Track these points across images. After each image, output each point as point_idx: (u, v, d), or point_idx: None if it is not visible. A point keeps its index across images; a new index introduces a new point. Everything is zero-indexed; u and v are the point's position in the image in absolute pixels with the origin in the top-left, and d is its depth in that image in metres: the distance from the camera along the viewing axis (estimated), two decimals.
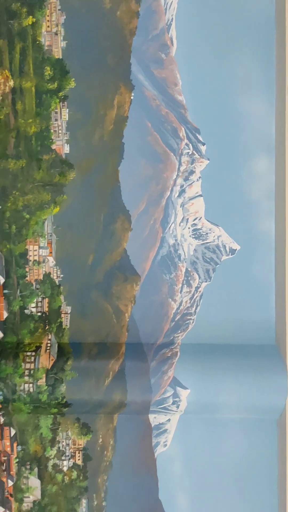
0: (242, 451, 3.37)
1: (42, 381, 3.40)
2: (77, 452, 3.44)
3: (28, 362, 3.41)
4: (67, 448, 3.42)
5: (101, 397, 3.34)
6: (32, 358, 3.41)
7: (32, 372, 3.42)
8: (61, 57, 3.34)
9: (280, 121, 3.39)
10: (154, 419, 3.34)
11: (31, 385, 3.37)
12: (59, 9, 3.33)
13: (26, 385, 3.35)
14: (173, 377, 3.34)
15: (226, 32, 3.23)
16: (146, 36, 3.39)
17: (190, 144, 3.51)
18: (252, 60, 3.36)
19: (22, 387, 3.34)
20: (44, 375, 3.41)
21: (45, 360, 3.47)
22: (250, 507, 3.31)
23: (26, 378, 3.35)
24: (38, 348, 3.41)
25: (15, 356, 3.29)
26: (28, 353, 3.40)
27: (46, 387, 3.36)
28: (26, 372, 3.38)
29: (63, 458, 3.42)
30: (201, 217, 3.75)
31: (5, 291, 3.29)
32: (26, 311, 3.26)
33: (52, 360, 3.49)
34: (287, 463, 3.18)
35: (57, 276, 3.43)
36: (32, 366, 3.42)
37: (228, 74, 3.28)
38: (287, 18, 3.11)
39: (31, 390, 3.36)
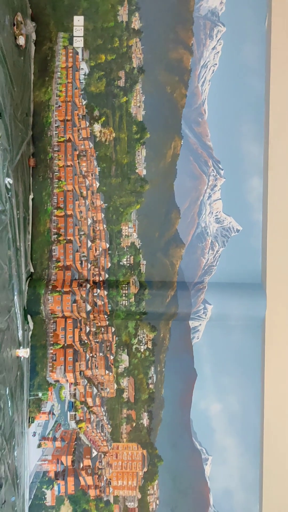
0: (241, 343, 3.22)
1: (132, 300, 3.28)
2: (148, 341, 3.33)
3: (124, 290, 3.31)
4: (143, 338, 3.31)
5: (163, 310, 3.25)
6: (126, 288, 3.32)
7: (126, 294, 3.32)
8: (142, 120, 3.18)
9: (265, 157, 3.21)
10: (192, 323, 3.22)
11: (126, 301, 3.26)
12: (141, 92, 3.17)
13: (124, 302, 3.25)
14: (204, 298, 3.18)
15: (235, 106, 3.04)
16: (190, 108, 3.20)
17: (214, 170, 3.33)
18: (249, 123, 3.16)
19: (121, 303, 3.25)
20: (133, 296, 3.28)
21: (133, 289, 3.37)
22: (243, 374, 3.16)
23: (123, 297, 3.24)
24: (128, 283, 3.31)
25: (116, 286, 3.19)
26: (123, 285, 3.30)
27: (134, 303, 3.24)
28: (123, 295, 3.27)
29: (140, 344, 3.30)
30: (220, 211, 3.57)
31: (109, 252, 3.14)
32: (120, 263, 3.11)
33: (136, 288, 3.40)
34: (265, 349, 3.03)
35: (138, 244, 3.27)
36: (126, 291, 3.33)
37: (236, 130, 3.09)
38: (270, 98, 2.91)
39: (126, 304, 3.26)
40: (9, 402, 2.42)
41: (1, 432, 2.29)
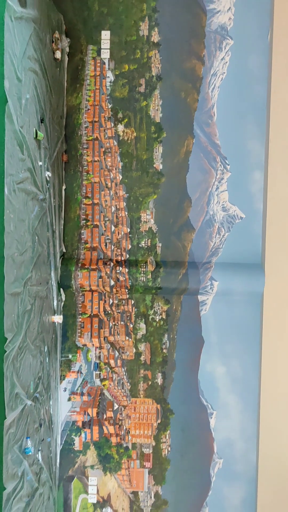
0: (242, 315, 3.19)
1: (149, 277, 3.26)
2: (163, 312, 3.31)
3: (142, 268, 3.29)
4: (158, 310, 3.29)
5: (176, 285, 3.23)
6: (144, 266, 3.30)
7: (144, 272, 3.30)
8: (159, 121, 3.14)
9: (266, 154, 3.15)
10: (200, 297, 3.20)
11: (144, 278, 3.24)
12: (159, 97, 3.12)
13: (142, 278, 3.23)
14: (211, 276, 3.14)
15: (240, 109, 2.98)
16: (201, 111, 3.15)
17: (222, 165, 3.27)
18: (253, 124, 3.09)
19: (140, 279, 3.23)
20: (150, 273, 3.26)
21: (150, 267, 3.37)
22: (244, 342, 3.15)
23: (142, 274, 3.21)
24: (146, 262, 3.29)
25: (136, 265, 3.18)
26: (142, 264, 3.28)
27: (151, 279, 3.22)
28: (142, 272, 3.26)
29: (156, 315, 3.28)
30: (226, 201, 3.51)
31: (130, 235, 3.10)
32: (139, 245, 3.07)
33: (153, 267, 3.40)
34: (263, 320, 3.01)
35: (155, 229, 3.23)
36: (144, 269, 3.32)
37: (241, 130, 3.03)
38: (271, 103, 2.85)
39: (144, 280, 3.24)
40: (47, 358, 2.52)
41: (42, 381, 2.39)
